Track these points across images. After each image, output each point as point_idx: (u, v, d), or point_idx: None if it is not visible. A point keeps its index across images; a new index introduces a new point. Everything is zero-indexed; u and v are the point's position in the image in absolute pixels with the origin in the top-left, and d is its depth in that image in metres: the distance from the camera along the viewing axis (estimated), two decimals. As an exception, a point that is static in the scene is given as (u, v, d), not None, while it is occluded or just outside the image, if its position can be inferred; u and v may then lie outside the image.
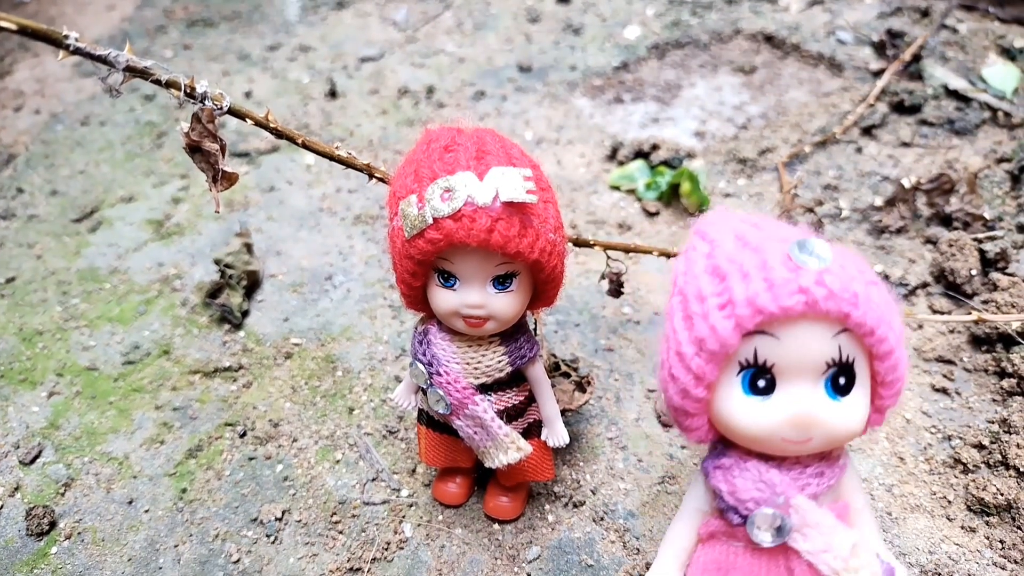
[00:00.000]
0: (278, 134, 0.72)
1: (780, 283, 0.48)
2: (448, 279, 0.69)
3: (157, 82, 0.64)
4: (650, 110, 1.48)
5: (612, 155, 1.36)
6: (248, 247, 1.15)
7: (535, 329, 0.84)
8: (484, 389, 0.75)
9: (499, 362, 0.74)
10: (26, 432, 0.98)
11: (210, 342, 1.07)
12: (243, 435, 0.95)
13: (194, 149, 0.68)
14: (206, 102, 0.66)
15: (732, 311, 0.50)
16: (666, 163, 1.30)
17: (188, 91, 0.65)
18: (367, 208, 1.28)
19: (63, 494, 0.91)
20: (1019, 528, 0.82)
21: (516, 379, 0.77)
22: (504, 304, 0.69)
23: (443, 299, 0.69)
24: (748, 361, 0.51)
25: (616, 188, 1.29)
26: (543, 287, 0.72)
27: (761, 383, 0.52)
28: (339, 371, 1.02)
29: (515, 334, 0.75)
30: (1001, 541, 0.81)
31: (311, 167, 1.38)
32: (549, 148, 1.39)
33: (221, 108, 0.66)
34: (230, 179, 0.68)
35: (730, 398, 0.53)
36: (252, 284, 1.13)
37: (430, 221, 0.64)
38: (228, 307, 1.08)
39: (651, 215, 1.24)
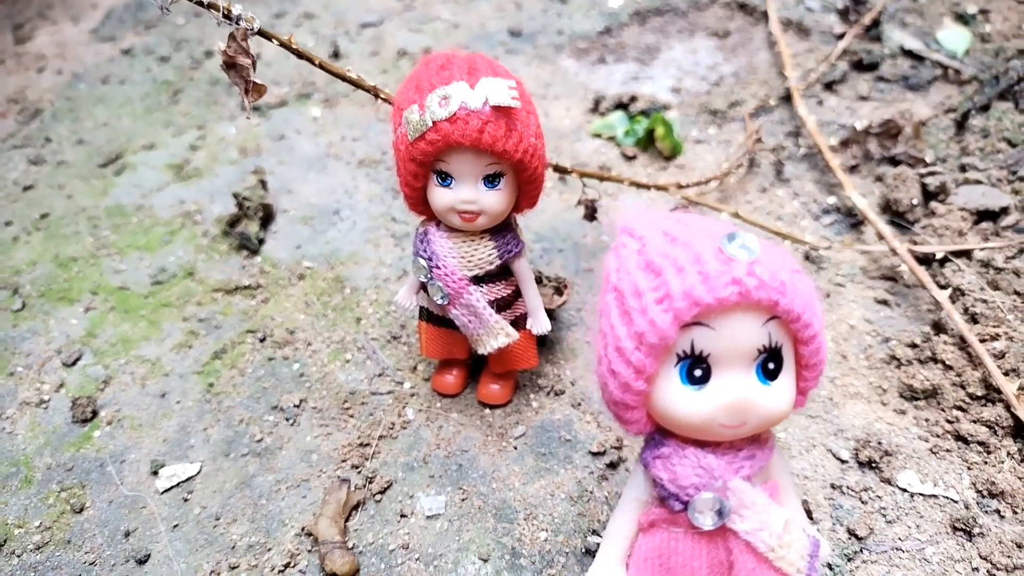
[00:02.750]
0: (299, 55, 0.84)
1: (714, 275, 0.51)
2: (445, 179, 0.81)
3: (200, 3, 0.75)
4: (631, 69, 1.59)
5: (595, 107, 1.48)
6: (263, 183, 1.27)
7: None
8: (477, 281, 0.87)
9: (489, 255, 0.86)
10: (67, 340, 1.09)
11: (230, 265, 1.19)
12: (263, 340, 1.07)
13: (230, 65, 0.79)
14: (240, 23, 0.77)
15: (670, 304, 0.51)
16: (643, 113, 1.42)
17: (225, 13, 0.76)
18: (370, 153, 1.39)
19: (102, 390, 1.02)
20: (943, 410, 0.94)
21: (504, 274, 0.89)
22: (493, 200, 0.81)
23: (441, 197, 0.81)
24: (685, 352, 0.53)
25: (598, 136, 1.41)
26: (526, 187, 0.84)
27: (698, 372, 0.54)
28: (347, 289, 1.14)
29: (503, 231, 0.87)
30: (926, 419, 0.93)
31: (317, 119, 1.50)
32: (537, 102, 1.51)
33: (253, 29, 0.78)
34: (259, 90, 0.80)
35: (669, 389, 0.55)
36: (267, 216, 1.25)
37: (430, 124, 0.76)
38: (246, 235, 1.20)
39: (629, 159, 1.36)
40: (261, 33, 0.79)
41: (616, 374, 0.55)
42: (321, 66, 0.85)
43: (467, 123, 0.75)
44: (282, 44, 0.82)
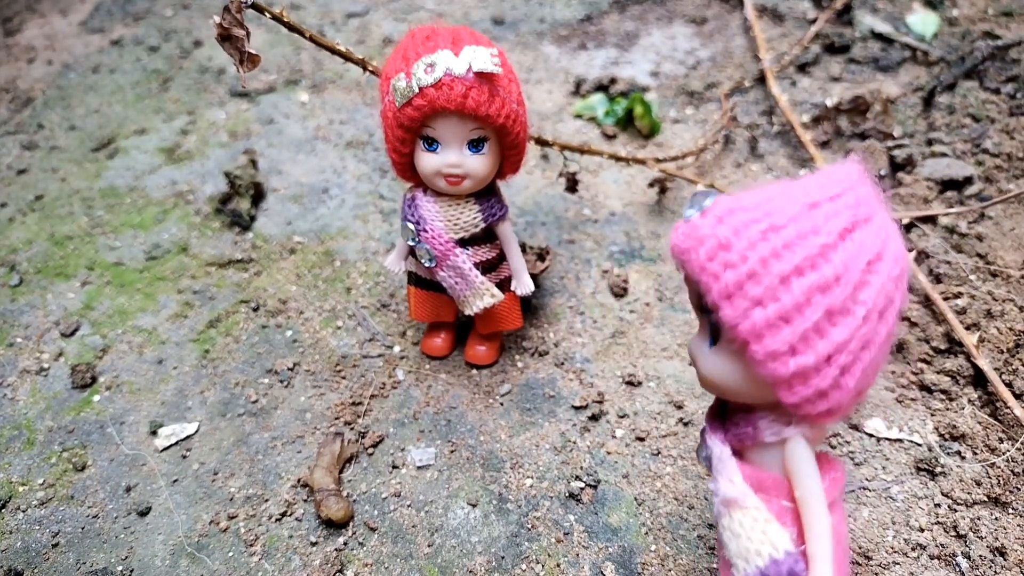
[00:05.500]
0: (290, 27, 0.87)
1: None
2: (431, 144, 0.84)
3: (196, -26, 0.79)
4: (611, 55, 1.64)
5: (576, 90, 1.52)
6: (254, 163, 1.30)
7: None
8: (463, 244, 0.91)
9: (474, 218, 0.90)
10: (64, 312, 1.12)
11: (223, 241, 1.22)
12: (256, 309, 1.10)
13: (224, 38, 0.83)
14: (234, -5, 0.81)
15: None
16: (623, 95, 1.46)
17: (220, -16, 0.80)
18: (357, 136, 1.43)
19: (101, 358, 1.06)
20: (908, 363, 0.98)
21: (489, 237, 0.93)
22: (478, 164, 0.85)
23: (427, 161, 0.85)
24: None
25: (579, 116, 1.45)
26: (509, 152, 0.88)
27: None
28: (337, 262, 1.18)
29: (487, 195, 0.91)
30: (892, 372, 0.98)
31: (305, 104, 1.53)
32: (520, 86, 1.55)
33: (247, 1, 0.82)
34: (254, 60, 0.84)
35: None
36: (258, 194, 1.28)
37: (416, 90, 0.80)
38: (238, 212, 1.23)
39: (609, 137, 1.40)
40: (254, 6, 0.83)
41: None
42: (311, 38, 0.89)
43: (452, 88, 0.79)
44: (274, 17, 0.86)
